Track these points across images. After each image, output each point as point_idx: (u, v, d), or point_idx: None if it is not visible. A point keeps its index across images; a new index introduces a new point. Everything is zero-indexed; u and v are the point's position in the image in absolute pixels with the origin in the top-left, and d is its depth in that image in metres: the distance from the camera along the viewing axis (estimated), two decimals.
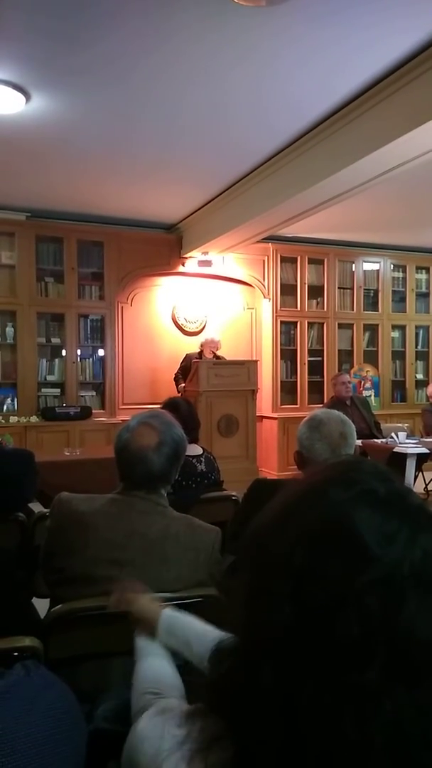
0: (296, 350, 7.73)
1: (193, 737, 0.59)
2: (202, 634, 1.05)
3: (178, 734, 0.61)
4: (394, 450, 5.28)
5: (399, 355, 8.35)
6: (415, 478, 5.47)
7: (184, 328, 7.32)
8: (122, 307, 6.99)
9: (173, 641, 1.08)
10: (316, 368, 7.80)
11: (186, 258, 7.09)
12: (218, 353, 6.72)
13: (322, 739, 0.51)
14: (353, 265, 8.04)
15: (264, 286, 7.54)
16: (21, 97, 3.82)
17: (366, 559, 0.53)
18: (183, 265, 7.15)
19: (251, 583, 0.59)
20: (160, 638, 1.09)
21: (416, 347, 8.46)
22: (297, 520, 0.57)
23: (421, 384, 8.31)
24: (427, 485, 6.31)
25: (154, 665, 1.01)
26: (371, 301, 8.20)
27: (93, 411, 6.67)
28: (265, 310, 7.65)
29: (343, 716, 0.50)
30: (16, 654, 1.23)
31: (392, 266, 8.25)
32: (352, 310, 8.05)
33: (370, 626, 0.51)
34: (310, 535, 0.55)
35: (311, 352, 7.81)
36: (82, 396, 6.79)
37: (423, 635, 0.51)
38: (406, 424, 6.45)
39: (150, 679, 0.95)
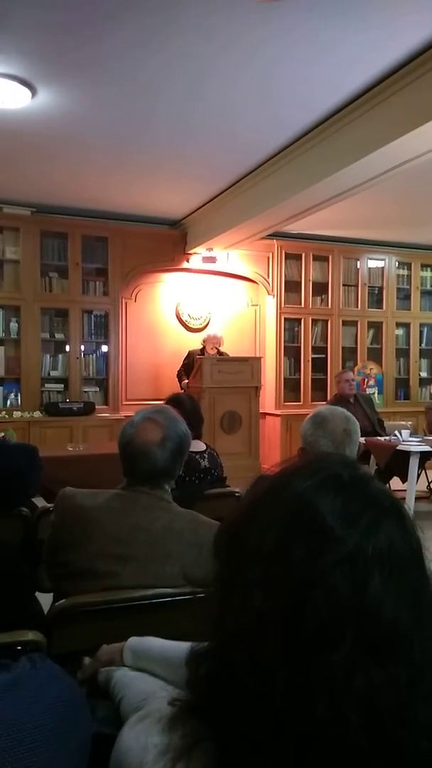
0: (300, 347, 7.72)
1: (174, 745, 0.59)
2: (175, 647, 1.04)
3: (160, 743, 0.61)
4: (398, 448, 5.27)
5: (403, 353, 8.34)
6: (418, 476, 5.47)
7: (188, 325, 7.32)
8: (126, 303, 6.99)
9: (144, 663, 1.08)
10: (319, 365, 7.80)
11: (190, 254, 7.08)
12: (221, 350, 6.72)
13: (299, 722, 0.51)
14: (358, 263, 8.02)
15: (268, 282, 7.53)
16: (27, 91, 3.82)
17: (330, 540, 0.54)
18: (187, 261, 7.14)
19: (222, 575, 0.60)
20: (128, 662, 1.09)
21: (420, 345, 8.44)
22: (263, 510, 0.59)
23: (424, 382, 8.31)
24: (429, 483, 6.30)
25: (134, 681, 1.01)
26: (376, 298, 8.18)
27: (96, 407, 6.68)
28: (269, 306, 7.64)
29: (317, 697, 0.51)
30: (19, 648, 1.24)
31: (397, 263, 8.22)
32: (357, 307, 8.03)
33: (338, 605, 0.52)
34: (275, 522, 0.57)
35: (315, 350, 7.80)
36: (85, 391, 6.80)
37: (389, 612, 0.52)
38: (410, 422, 6.44)
39: (135, 694, 0.96)
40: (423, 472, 5.90)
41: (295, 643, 0.52)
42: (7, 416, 6.20)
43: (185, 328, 7.30)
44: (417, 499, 5.42)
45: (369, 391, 7.70)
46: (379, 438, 5.69)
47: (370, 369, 8.00)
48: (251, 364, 6.59)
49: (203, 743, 0.57)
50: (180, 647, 1.01)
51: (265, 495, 0.61)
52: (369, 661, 0.51)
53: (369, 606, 0.52)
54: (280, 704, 0.52)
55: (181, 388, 6.43)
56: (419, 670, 0.53)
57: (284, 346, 7.61)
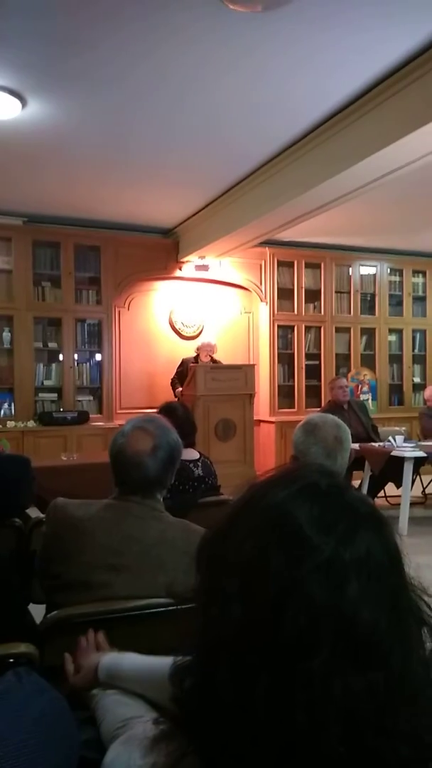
0: (293, 354, 7.73)
1: (159, 764, 0.58)
2: (149, 664, 1.03)
3: (144, 765, 0.60)
4: (392, 454, 5.28)
5: (396, 359, 8.37)
6: (413, 481, 5.47)
7: (182, 333, 7.32)
8: (119, 312, 6.99)
9: (117, 681, 1.07)
10: (313, 372, 7.81)
11: (183, 262, 7.10)
12: (215, 357, 6.72)
13: (280, 732, 0.51)
14: (350, 269, 8.06)
15: (261, 290, 7.55)
16: (17, 102, 3.83)
17: (307, 548, 0.54)
18: (180, 269, 7.15)
19: (203, 587, 0.60)
20: (102, 680, 1.09)
21: (413, 351, 8.47)
22: (241, 520, 0.59)
23: (418, 387, 8.33)
24: (424, 489, 6.31)
25: (115, 706, 1.00)
26: (368, 305, 8.22)
27: (90, 416, 6.67)
28: (263, 314, 7.65)
29: (297, 706, 0.51)
30: (11, 660, 1.23)
31: (389, 270, 8.27)
32: (349, 314, 8.06)
33: (315, 612, 0.52)
34: (253, 532, 0.57)
35: (308, 356, 7.82)
36: (79, 401, 6.78)
37: (367, 617, 0.52)
38: (404, 428, 6.45)
39: (114, 719, 0.95)
40: (418, 477, 5.91)
41: (274, 652, 0.52)
42: (0, 426, 6.18)
43: (179, 336, 7.31)
44: (412, 504, 5.42)
45: (363, 397, 7.72)
46: (373, 444, 5.70)
47: (364, 375, 8.02)
48: (245, 372, 6.60)
49: (187, 758, 0.56)
50: (155, 664, 1.00)
51: (243, 506, 0.61)
52: (347, 668, 0.51)
53: (346, 612, 0.52)
54: (261, 714, 0.52)
55: (175, 396, 6.42)
56: (397, 677, 0.53)
57: (278, 353, 7.62)
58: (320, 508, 0.57)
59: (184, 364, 6.68)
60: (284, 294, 7.70)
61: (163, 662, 0.77)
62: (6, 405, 6.45)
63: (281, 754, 0.51)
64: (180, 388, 6.53)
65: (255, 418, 6.79)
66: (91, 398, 6.92)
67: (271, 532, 0.56)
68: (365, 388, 7.96)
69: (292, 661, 0.52)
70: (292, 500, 0.58)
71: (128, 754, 0.65)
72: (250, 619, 0.54)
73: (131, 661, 1.09)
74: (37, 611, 1.63)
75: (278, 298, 7.63)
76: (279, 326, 7.65)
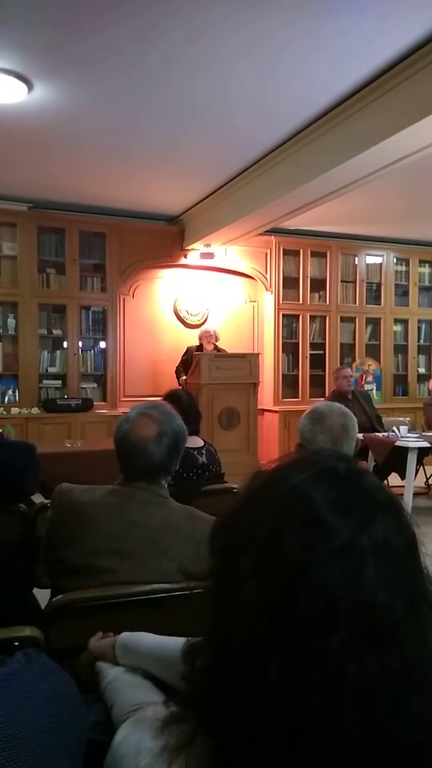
0: (298, 343, 7.71)
1: (169, 746, 0.59)
2: (167, 644, 1.04)
3: (154, 747, 0.61)
4: (396, 444, 5.27)
5: (401, 349, 8.34)
6: (416, 472, 5.47)
7: (186, 321, 7.31)
8: (124, 299, 6.98)
9: (134, 660, 1.08)
10: (317, 362, 7.79)
11: (188, 250, 7.07)
12: (219, 346, 6.71)
13: (293, 712, 0.51)
14: (356, 259, 8.02)
15: (266, 278, 7.52)
16: (23, 86, 3.80)
17: (324, 531, 0.54)
18: (185, 257, 7.13)
19: (218, 567, 0.60)
20: (119, 659, 1.10)
21: (419, 341, 8.44)
22: (259, 502, 0.60)
23: (423, 378, 8.30)
24: (428, 479, 6.31)
25: (126, 688, 1.01)
26: (374, 294, 8.18)
27: (94, 403, 6.68)
28: (268, 303, 7.63)
29: (311, 686, 0.51)
30: (16, 644, 1.23)
31: (395, 260, 8.22)
32: (355, 303, 8.03)
33: (332, 595, 0.52)
34: (270, 514, 0.58)
35: (313, 346, 7.80)
36: (83, 388, 6.79)
37: (383, 602, 0.53)
38: (408, 418, 6.44)
39: (126, 701, 0.95)
40: (421, 467, 5.91)
41: (288, 631, 0.52)
42: (5, 413, 6.20)
43: (183, 325, 7.30)
44: (415, 494, 5.42)
45: (367, 387, 7.71)
46: (377, 434, 5.70)
47: (369, 365, 8.00)
48: (249, 361, 6.58)
49: (198, 739, 0.57)
50: (173, 644, 1.00)
51: (261, 488, 0.62)
52: (362, 650, 0.51)
53: (363, 596, 0.52)
54: (275, 694, 0.52)
55: (180, 385, 6.42)
56: (411, 662, 0.53)
57: (282, 343, 7.60)
58: (338, 492, 0.57)
59: (188, 352, 6.67)
60: (289, 283, 7.67)
61: (179, 642, 0.78)
62: (10, 391, 6.47)
63: (293, 734, 0.51)
64: (184, 377, 6.53)
65: (259, 407, 6.79)
66: (95, 386, 6.92)
67: (288, 514, 0.57)
68: (370, 378, 7.94)
69: (306, 641, 0.52)
70: (309, 483, 0.58)
71: (138, 735, 0.65)
72: (264, 600, 0.54)
73: (149, 640, 1.10)
74: (42, 596, 1.64)
75: (283, 287, 7.60)
76: (284, 315, 7.63)
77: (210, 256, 6.96)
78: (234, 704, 0.54)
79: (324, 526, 0.55)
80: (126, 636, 1.14)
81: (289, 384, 7.67)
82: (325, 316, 7.86)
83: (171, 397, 2.89)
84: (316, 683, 0.51)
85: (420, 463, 5.65)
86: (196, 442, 2.86)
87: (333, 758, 0.51)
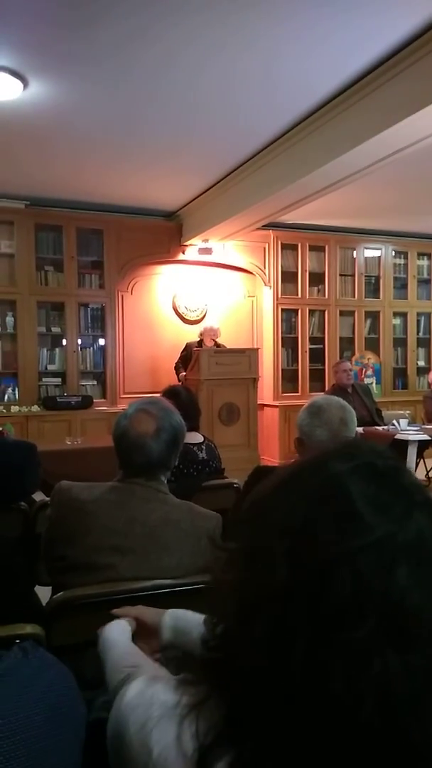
0: (297, 338, 7.71)
1: (183, 702, 0.60)
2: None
3: (168, 699, 0.62)
4: (396, 437, 5.28)
5: (400, 342, 8.33)
6: (416, 465, 5.48)
7: (185, 317, 7.30)
8: (122, 296, 6.97)
9: (183, 640, 1.08)
10: (317, 356, 7.79)
11: (186, 246, 7.05)
12: (219, 341, 6.71)
13: (313, 694, 0.52)
14: (354, 252, 8.00)
15: (265, 273, 7.50)
16: (18, 83, 3.78)
17: (358, 525, 0.55)
18: (183, 252, 7.11)
19: (250, 545, 0.61)
20: (167, 639, 1.10)
21: (418, 334, 8.43)
22: (296, 486, 0.61)
23: (422, 371, 8.30)
24: (428, 472, 6.31)
25: (127, 648, 1.02)
26: (372, 288, 8.17)
27: (94, 400, 6.68)
28: (266, 297, 7.62)
29: (334, 674, 0.52)
30: (18, 641, 1.24)
31: (394, 253, 8.20)
32: (354, 297, 8.01)
33: (362, 589, 0.53)
34: (307, 499, 0.58)
35: (312, 340, 7.79)
36: (83, 385, 6.79)
37: (414, 603, 0.53)
38: (408, 411, 6.43)
39: (125, 658, 0.96)
40: (422, 460, 5.91)
41: (316, 617, 0.53)
42: (4, 411, 6.20)
43: (182, 321, 7.29)
44: None
45: (367, 380, 7.70)
46: (377, 427, 5.70)
47: (368, 359, 8.00)
48: (249, 356, 6.58)
49: (212, 701, 0.58)
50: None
51: (300, 472, 0.63)
52: (388, 647, 0.52)
53: (393, 594, 0.53)
54: (297, 675, 0.53)
55: (179, 381, 6.42)
56: None
57: (281, 337, 7.60)
58: (376, 488, 0.58)
59: (188, 348, 6.67)
60: (288, 277, 7.65)
61: None
62: (10, 390, 6.47)
63: (310, 712, 0.52)
64: (184, 373, 6.52)
65: (259, 402, 6.79)
66: (95, 383, 6.92)
67: (324, 503, 0.57)
68: (369, 372, 7.94)
69: (333, 630, 0.53)
70: (349, 475, 0.59)
71: (153, 690, 0.66)
72: (295, 583, 0.55)
73: (196, 618, 1.09)
74: (44, 593, 1.64)
75: (282, 281, 7.59)
76: (283, 310, 7.62)
77: (208, 251, 6.95)
78: (254, 676, 0.55)
79: (359, 521, 0.55)
80: (171, 616, 1.13)
81: (288, 378, 7.66)
82: (324, 310, 7.85)
83: (170, 393, 2.89)
84: (338, 672, 0.52)
85: (420, 456, 5.66)
86: (195, 437, 2.86)
87: (347, 743, 0.52)
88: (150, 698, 0.65)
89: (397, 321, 8.33)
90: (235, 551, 0.63)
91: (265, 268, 7.50)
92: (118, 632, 1.08)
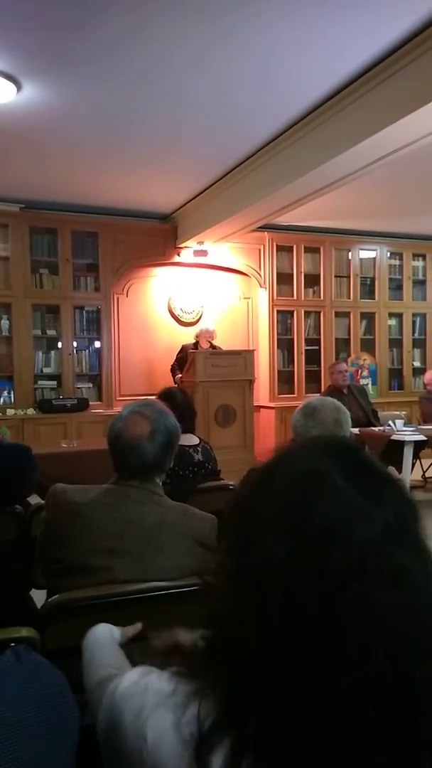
0: (293, 339, 7.72)
1: (180, 690, 0.63)
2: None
3: (163, 688, 0.64)
4: (392, 438, 5.28)
5: (396, 343, 8.35)
6: (413, 465, 5.48)
7: (181, 319, 7.30)
8: (118, 298, 6.97)
9: None
10: (313, 357, 7.80)
11: (181, 248, 7.05)
12: (214, 343, 6.71)
13: (327, 656, 0.56)
14: (349, 253, 8.02)
15: (260, 275, 7.51)
16: (12, 86, 3.78)
17: (340, 497, 0.62)
18: (178, 255, 7.11)
19: (244, 532, 0.65)
20: None
21: (413, 335, 8.45)
22: (284, 469, 0.67)
23: (418, 372, 8.32)
24: (424, 472, 6.32)
25: (113, 651, 1.02)
26: (368, 289, 8.18)
27: (90, 403, 6.67)
28: (262, 299, 7.62)
29: (345, 628, 0.57)
30: (13, 645, 1.23)
31: (389, 254, 8.22)
32: (349, 298, 8.03)
33: (358, 550, 0.59)
34: (297, 478, 0.64)
35: (308, 341, 7.80)
36: (78, 388, 6.78)
37: (401, 562, 0.60)
38: (404, 412, 6.45)
39: (111, 658, 0.97)
40: (418, 461, 5.92)
41: (321, 581, 0.58)
42: (0, 414, 6.18)
43: (178, 323, 7.29)
44: (412, 488, 5.43)
45: (363, 381, 7.72)
46: (373, 428, 5.71)
47: (364, 360, 8.01)
48: (244, 357, 6.58)
49: (211, 689, 0.61)
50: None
51: (275, 467, 0.68)
52: (389, 591, 0.58)
53: (384, 554, 0.59)
54: (311, 639, 0.57)
55: (175, 383, 6.42)
56: (426, 605, 0.60)
57: (277, 339, 7.60)
58: (353, 465, 0.65)
59: (183, 350, 6.67)
60: (283, 279, 7.66)
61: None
62: (5, 393, 6.45)
63: (326, 676, 0.56)
64: (180, 375, 6.52)
65: (255, 404, 6.79)
66: (91, 385, 6.91)
67: (307, 482, 0.63)
68: (365, 373, 7.95)
69: (340, 587, 0.57)
70: (321, 454, 0.67)
71: (146, 680, 0.67)
72: (296, 557, 0.59)
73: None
74: (39, 596, 1.63)
75: (277, 283, 7.60)
76: (278, 311, 7.63)
77: (203, 253, 6.95)
78: (266, 651, 0.58)
79: (346, 493, 0.62)
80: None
81: (284, 380, 7.67)
82: (319, 312, 7.86)
83: (165, 395, 2.89)
84: (349, 626, 0.57)
85: (416, 456, 5.66)
86: (191, 439, 2.86)
87: (362, 695, 0.55)
88: (144, 688, 0.66)
89: (393, 322, 8.35)
90: (230, 541, 0.67)
91: (260, 269, 7.51)
92: (106, 633, 1.08)
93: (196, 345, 6.62)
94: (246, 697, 0.59)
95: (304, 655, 0.57)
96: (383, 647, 0.56)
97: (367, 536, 0.59)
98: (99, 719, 0.71)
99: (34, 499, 2.72)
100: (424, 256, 8.46)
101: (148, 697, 0.65)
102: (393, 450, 5.30)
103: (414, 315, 8.45)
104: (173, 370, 6.71)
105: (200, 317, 7.35)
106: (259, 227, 6.62)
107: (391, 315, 8.31)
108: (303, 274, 7.72)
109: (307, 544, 0.59)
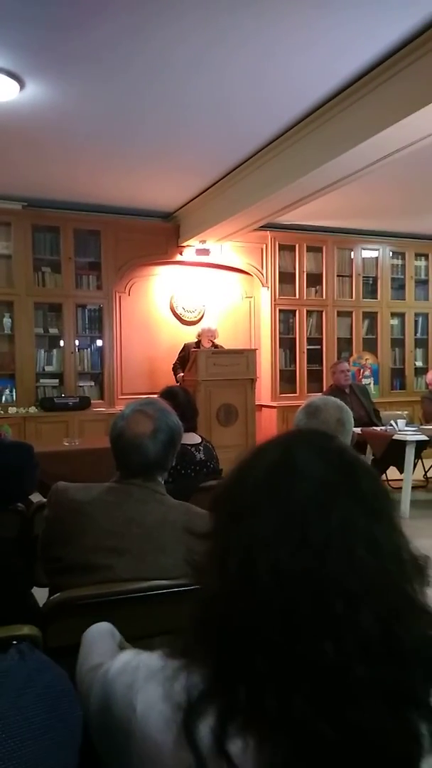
0: (295, 339, 7.71)
1: (170, 665, 0.66)
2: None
3: (154, 664, 0.68)
4: (394, 437, 5.28)
5: (398, 343, 8.34)
6: (415, 465, 5.48)
7: (183, 318, 7.30)
8: (120, 297, 6.97)
9: None
10: (315, 356, 7.79)
11: (184, 247, 7.05)
12: (216, 342, 6.71)
13: (314, 616, 0.61)
14: (352, 253, 8.01)
15: (262, 274, 7.51)
16: (15, 84, 3.78)
17: (304, 479, 0.68)
18: (181, 253, 7.11)
19: (232, 512, 0.70)
20: None
21: (415, 335, 8.44)
22: (264, 454, 0.74)
23: (420, 371, 8.31)
24: (426, 472, 6.32)
25: (112, 647, 1.03)
26: (370, 288, 8.17)
27: (92, 401, 6.67)
28: (264, 298, 7.62)
29: (332, 589, 0.62)
30: (15, 642, 1.23)
31: (391, 253, 8.21)
32: (351, 297, 8.02)
33: (338, 525, 0.65)
34: (275, 462, 0.71)
35: (310, 341, 7.79)
36: (80, 386, 6.78)
37: (361, 525, 0.66)
38: (406, 412, 6.43)
39: (103, 652, 0.97)
40: (419, 461, 5.92)
41: (304, 553, 0.63)
42: (2, 412, 6.19)
43: (180, 321, 7.29)
44: (413, 488, 5.43)
45: (365, 381, 7.71)
46: (375, 428, 5.70)
47: (366, 359, 8.00)
48: (246, 356, 6.58)
49: (197, 664, 0.64)
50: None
51: (257, 452, 0.75)
52: (367, 562, 0.63)
53: (359, 526, 0.65)
54: (299, 605, 0.61)
55: (177, 382, 6.42)
56: (400, 561, 0.67)
57: (279, 338, 7.60)
58: (319, 448, 0.73)
59: (185, 349, 6.67)
60: (286, 278, 7.66)
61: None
62: (7, 391, 6.46)
63: (313, 625, 0.60)
64: (182, 374, 6.52)
65: (257, 403, 6.79)
66: (93, 384, 6.92)
67: (276, 467, 0.70)
68: (367, 372, 7.94)
69: (319, 556, 0.63)
70: (292, 444, 0.74)
71: (138, 659, 0.70)
72: (282, 528, 0.65)
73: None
74: (41, 594, 1.64)
75: (280, 282, 7.59)
76: (280, 310, 7.62)
77: (205, 252, 6.95)
78: (255, 622, 0.62)
79: (305, 475, 0.68)
80: None
81: (286, 379, 7.67)
82: (321, 311, 7.85)
83: (167, 394, 2.89)
84: (333, 592, 0.62)
85: (418, 456, 5.66)
86: (193, 438, 2.86)
87: (351, 655, 0.60)
88: (136, 665, 0.70)
89: (395, 321, 8.34)
90: (217, 524, 0.71)
91: (262, 268, 7.50)
92: (106, 629, 1.09)
93: (198, 344, 6.62)
94: (235, 667, 0.62)
95: (292, 622, 0.60)
96: (368, 608, 0.61)
97: (342, 511, 0.65)
98: (91, 702, 0.73)
99: (36, 498, 2.72)
100: (426, 256, 8.45)
101: (139, 672, 0.68)
102: (395, 450, 5.30)
103: (416, 314, 8.44)
104: (175, 369, 6.71)
105: (202, 316, 7.34)
106: (262, 226, 6.61)
107: (393, 314, 8.30)
108: (305, 274, 7.71)
109: (289, 520, 0.64)
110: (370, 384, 7.72)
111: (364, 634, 0.60)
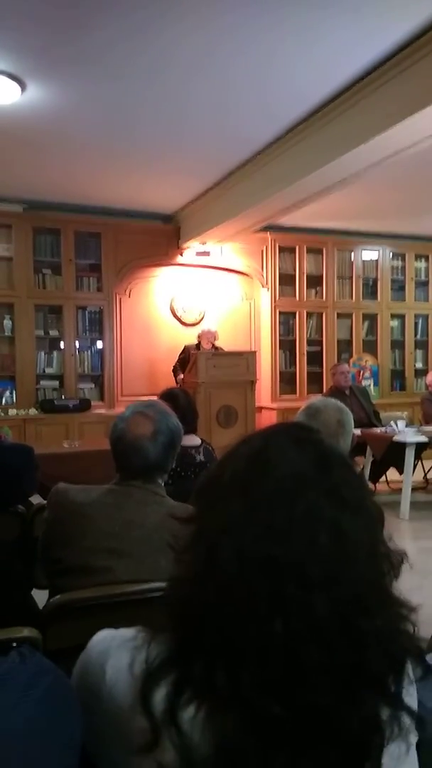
0: (295, 340, 7.71)
1: (140, 636, 0.71)
2: None
3: (127, 634, 0.72)
4: (394, 439, 5.28)
5: (398, 345, 8.34)
6: (415, 466, 5.48)
7: (183, 320, 7.30)
8: (120, 299, 6.97)
9: None
10: (315, 358, 7.79)
11: (184, 248, 7.05)
12: (216, 344, 6.71)
13: (273, 598, 0.62)
14: (352, 254, 8.01)
15: (262, 276, 7.51)
16: (17, 86, 3.79)
17: (272, 467, 0.70)
18: (181, 255, 7.11)
19: (208, 500, 0.73)
20: None
21: (415, 336, 8.44)
22: (242, 447, 0.76)
23: (420, 373, 8.31)
24: (426, 474, 6.32)
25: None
26: (370, 290, 8.18)
27: (92, 403, 6.67)
28: (264, 300, 7.62)
29: (309, 563, 0.64)
30: (15, 645, 1.23)
31: (391, 255, 8.21)
32: (351, 299, 8.02)
33: (304, 512, 0.66)
34: (249, 452, 0.73)
35: (310, 342, 7.79)
36: (80, 388, 6.78)
37: (330, 514, 0.67)
38: (406, 413, 6.44)
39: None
40: (419, 462, 5.92)
41: (268, 539, 0.65)
42: (2, 414, 6.19)
43: (180, 323, 7.29)
44: (413, 489, 5.43)
45: (365, 383, 7.71)
46: (375, 429, 5.70)
47: (366, 361, 8.00)
48: (246, 358, 6.58)
49: (164, 635, 0.68)
50: None
51: (236, 446, 0.78)
52: (331, 549, 0.65)
53: (327, 515, 0.66)
54: (259, 587, 0.63)
55: (177, 383, 6.42)
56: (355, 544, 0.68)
57: (279, 340, 7.60)
58: (296, 437, 0.75)
59: (185, 351, 6.67)
60: (286, 280, 7.66)
61: None
62: (7, 393, 6.46)
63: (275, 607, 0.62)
64: (182, 375, 6.52)
65: (257, 405, 6.79)
66: (93, 386, 6.92)
67: (253, 459, 0.72)
68: (367, 374, 7.94)
69: (283, 542, 0.64)
70: (268, 437, 0.75)
71: (113, 632, 0.75)
72: (247, 514, 0.67)
73: None
74: (41, 597, 1.64)
75: (280, 283, 7.59)
76: (280, 312, 7.62)
77: (206, 254, 6.95)
78: (218, 600, 0.64)
79: (274, 464, 0.70)
80: None
81: (286, 381, 7.67)
82: (321, 313, 7.85)
83: (167, 395, 2.89)
84: (291, 576, 0.63)
85: (418, 457, 5.66)
86: (193, 440, 2.85)
87: (303, 636, 0.62)
88: (113, 636, 0.74)
89: (395, 323, 8.34)
90: (195, 513, 0.74)
91: (262, 270, 7.51)
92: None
93: (198, 346, 6.62)
94: (196, 641, 0.65)
95: (247, 605, 0.62)
96: (326, 594, 0.62)
97: (308, 500, 0.66)
98: (72, 676, 0.77)
99: (36, 499, 2.72)
100: (426, 257, 8.45)
101: (114, 641, 0.73)
102: (395, 451, 5.30)
103: (416, 316, 8.44)
104: (175, 371, 6.71)
105: (202, 318, 7.35)
106: (262, 228, 6.62)
107: (393, 316, 8.30)
108: (305, 275, 7.72)
109: (256, 507, 0.66)
110: (370, 385, 7.72)
111: (316, 616, 0.61)
